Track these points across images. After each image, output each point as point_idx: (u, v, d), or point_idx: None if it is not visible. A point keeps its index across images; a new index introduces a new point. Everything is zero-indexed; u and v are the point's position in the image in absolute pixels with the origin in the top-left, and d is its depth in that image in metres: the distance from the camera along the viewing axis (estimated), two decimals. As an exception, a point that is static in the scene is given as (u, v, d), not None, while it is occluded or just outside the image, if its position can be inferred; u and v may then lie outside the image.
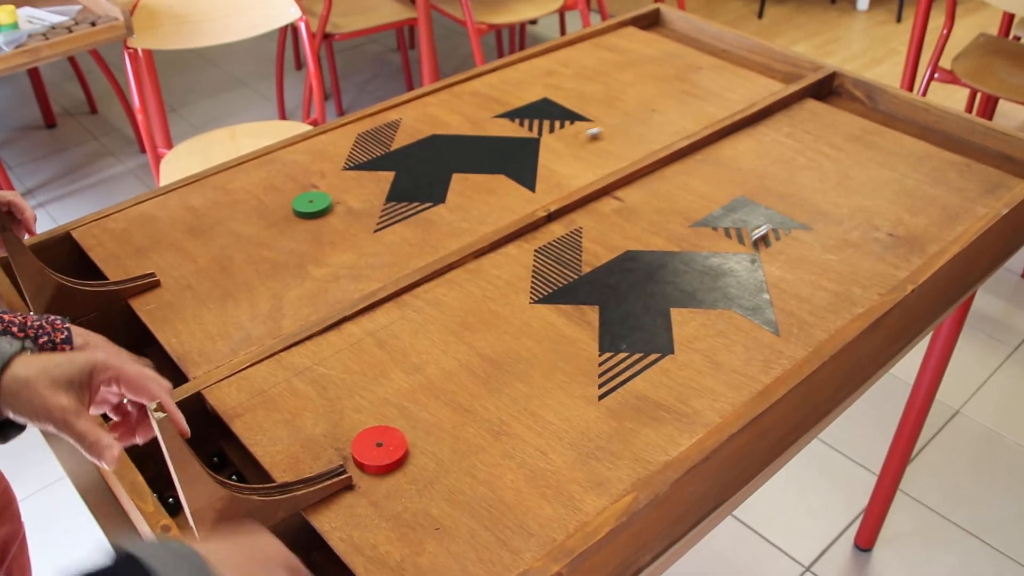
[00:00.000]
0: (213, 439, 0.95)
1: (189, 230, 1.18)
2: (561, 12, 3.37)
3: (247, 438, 0.88)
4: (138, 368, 0.78)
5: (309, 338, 1.00)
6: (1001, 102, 3.05)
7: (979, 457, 2.08)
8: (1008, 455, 2.08)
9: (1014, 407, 2.21)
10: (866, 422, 2.14)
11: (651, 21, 1.75)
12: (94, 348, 0.88)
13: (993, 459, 2.08)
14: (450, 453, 0.86)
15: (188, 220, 1.20)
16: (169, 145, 2.34)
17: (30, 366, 0.76)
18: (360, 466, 0.84)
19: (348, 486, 0.83)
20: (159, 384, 0.78)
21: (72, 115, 3.48)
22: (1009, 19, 2.85)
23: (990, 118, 2.75)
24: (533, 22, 4.13)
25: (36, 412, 0.74)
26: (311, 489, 0.80)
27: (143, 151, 3.22)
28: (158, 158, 2.28)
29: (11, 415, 0.77)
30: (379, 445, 0.85)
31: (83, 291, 1.03)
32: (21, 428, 0.82)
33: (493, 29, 3.04)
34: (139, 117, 2.24)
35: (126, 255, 1.13)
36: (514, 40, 3.77)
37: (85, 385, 0.76)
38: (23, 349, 0.79)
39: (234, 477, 0.92)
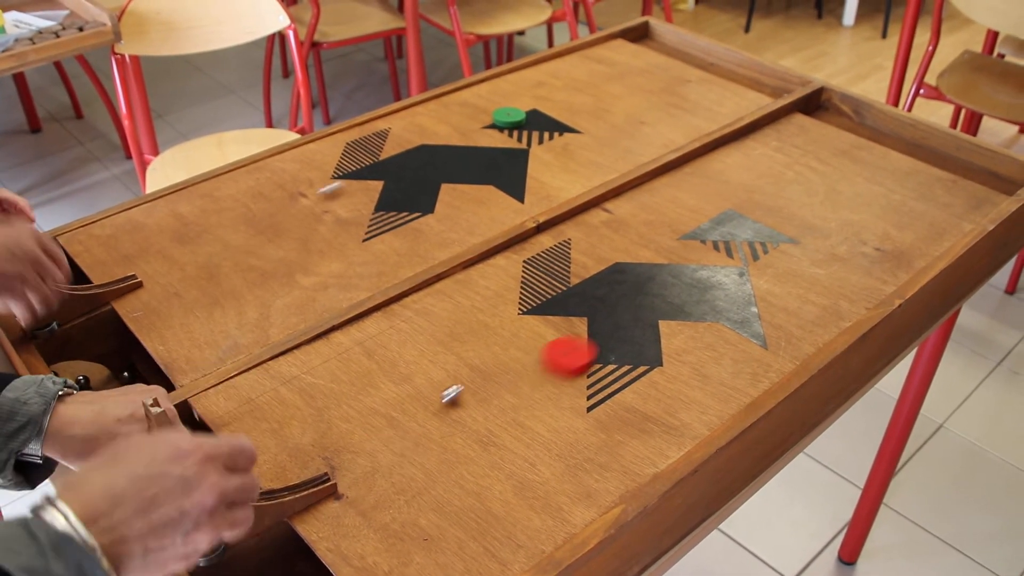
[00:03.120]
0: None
1: (177, 237, 1.17)
2: (549, 24, 3.38)
3: (234, 447, 0.87)
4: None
5: (297, 347, 0.99)
6: (985, 119, 3.08)
7: (963, 471, 2.09)
8: (991, 469, 2.10)
9: (997, 422, 2.22)
10: (851, 435, 2.15)
11: (640, 34, 1.76)
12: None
13: (976, 473, 2.09)
14: (438, 464, 0.86)
15: (176, 227, 1.19)
16: (155, 151, 2.33)
17: (85, 422, 0.74)
18: (560, 369, 0.96)
19: (335, 496, 0.82)
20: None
21: (57, 120, 3.46)
22: (993, 36, 2.88)
23: (974, 134, 2.77)
24: (521, 33, 4.15)
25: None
26: (296, 496, 0.80)
27: (129, 157, 3.21)
28: (144, 164, 2.28)
29: (56, 457, 0.77)
30: (566, 354, 0.96)
31: (66, 295, 1.02)
32: (49, 471, 0.81)
33: (481, 40, 3.04)
34: (125, 123, 2.24)
35: (113, 262, 1.13)
36: (502, 51, 3.78)
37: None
38: (66, 387, 0.78)
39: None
